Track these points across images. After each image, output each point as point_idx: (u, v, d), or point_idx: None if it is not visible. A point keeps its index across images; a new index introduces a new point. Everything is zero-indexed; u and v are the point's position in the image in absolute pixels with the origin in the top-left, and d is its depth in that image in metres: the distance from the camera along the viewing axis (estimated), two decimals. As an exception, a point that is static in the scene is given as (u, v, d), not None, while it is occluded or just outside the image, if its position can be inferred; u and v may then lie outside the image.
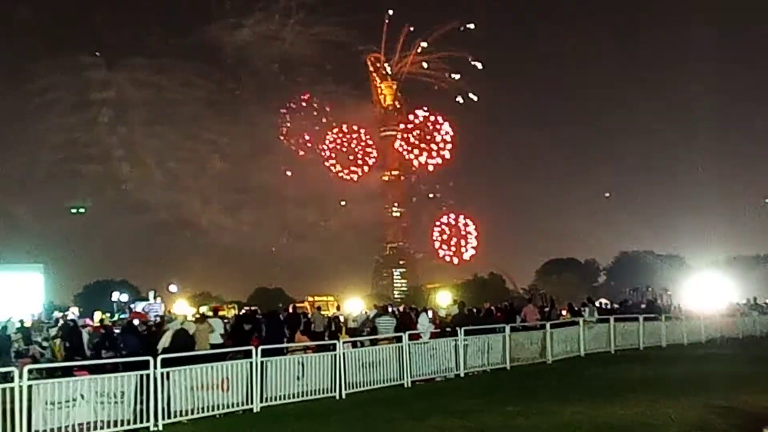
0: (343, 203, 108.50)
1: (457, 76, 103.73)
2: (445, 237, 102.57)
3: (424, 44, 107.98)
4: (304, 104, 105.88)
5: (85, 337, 20.51)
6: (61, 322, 23.25)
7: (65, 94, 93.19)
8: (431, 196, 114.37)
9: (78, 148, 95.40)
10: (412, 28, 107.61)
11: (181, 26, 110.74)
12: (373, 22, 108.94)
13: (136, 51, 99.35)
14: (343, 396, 15.84)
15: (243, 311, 35.69)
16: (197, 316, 28.22)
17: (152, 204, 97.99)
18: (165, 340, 15.87)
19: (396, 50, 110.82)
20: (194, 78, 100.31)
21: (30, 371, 11.92)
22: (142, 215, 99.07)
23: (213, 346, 16.67)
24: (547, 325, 22.44)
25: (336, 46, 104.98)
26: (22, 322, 22.83)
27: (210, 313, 20.70)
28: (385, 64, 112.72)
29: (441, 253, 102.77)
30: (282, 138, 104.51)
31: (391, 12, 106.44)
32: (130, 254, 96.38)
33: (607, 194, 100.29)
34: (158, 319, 26.70)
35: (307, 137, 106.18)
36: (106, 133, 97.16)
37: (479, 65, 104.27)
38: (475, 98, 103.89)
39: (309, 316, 24.54)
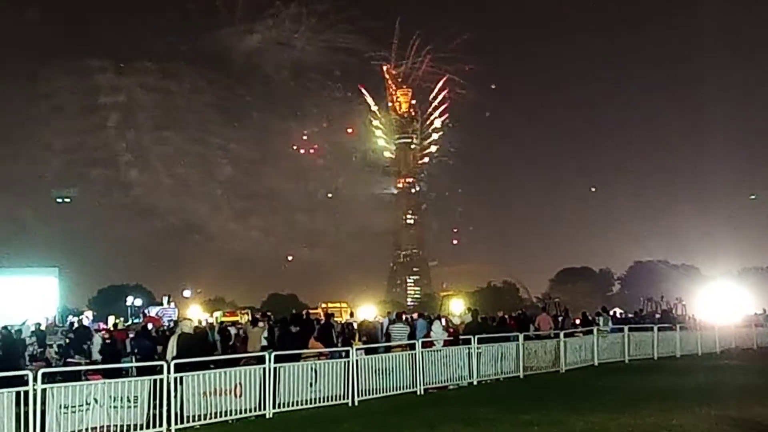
0: (330, 195, 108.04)
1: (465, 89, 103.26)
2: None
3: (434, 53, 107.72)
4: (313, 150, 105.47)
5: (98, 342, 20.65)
6: (76, 325, 23.42)
7: (75, 98, 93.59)
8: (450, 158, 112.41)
9: (87, 152, 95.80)
10: (420, 41, 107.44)
11: (192, 31, 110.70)
12: (384, 30, 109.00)
13: (146, 56, 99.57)
14: (356, 403, 15.82)
15: (258, 315, 35.72)
16: (210, 321, 28.26)
17: (161, 209, 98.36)
18: (171, 350, 15.54)
19: (407, 58, 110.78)
20: (204, 83, 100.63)
21: (44, 375, 11.97)
22: (152, 220, 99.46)
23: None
24: (561, 334, 22.35)
25: (346, 53, 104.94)
26: (38, 325, 23.00)
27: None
28: (400, 71, 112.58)
29: None
30: (294, 148, 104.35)
31: (398, 27, 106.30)
32: (145, 259, 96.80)
33: (593, 188, 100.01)
34: (172, 323, 26.92)
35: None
36: (115, 137, 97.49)
37: (493, 86, 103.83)
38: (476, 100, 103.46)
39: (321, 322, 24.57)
